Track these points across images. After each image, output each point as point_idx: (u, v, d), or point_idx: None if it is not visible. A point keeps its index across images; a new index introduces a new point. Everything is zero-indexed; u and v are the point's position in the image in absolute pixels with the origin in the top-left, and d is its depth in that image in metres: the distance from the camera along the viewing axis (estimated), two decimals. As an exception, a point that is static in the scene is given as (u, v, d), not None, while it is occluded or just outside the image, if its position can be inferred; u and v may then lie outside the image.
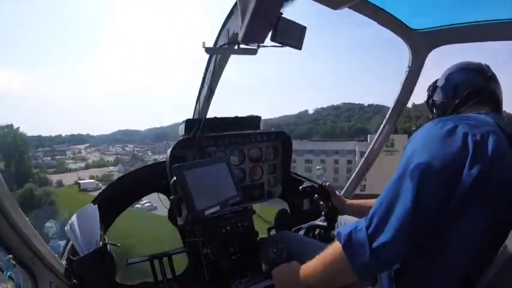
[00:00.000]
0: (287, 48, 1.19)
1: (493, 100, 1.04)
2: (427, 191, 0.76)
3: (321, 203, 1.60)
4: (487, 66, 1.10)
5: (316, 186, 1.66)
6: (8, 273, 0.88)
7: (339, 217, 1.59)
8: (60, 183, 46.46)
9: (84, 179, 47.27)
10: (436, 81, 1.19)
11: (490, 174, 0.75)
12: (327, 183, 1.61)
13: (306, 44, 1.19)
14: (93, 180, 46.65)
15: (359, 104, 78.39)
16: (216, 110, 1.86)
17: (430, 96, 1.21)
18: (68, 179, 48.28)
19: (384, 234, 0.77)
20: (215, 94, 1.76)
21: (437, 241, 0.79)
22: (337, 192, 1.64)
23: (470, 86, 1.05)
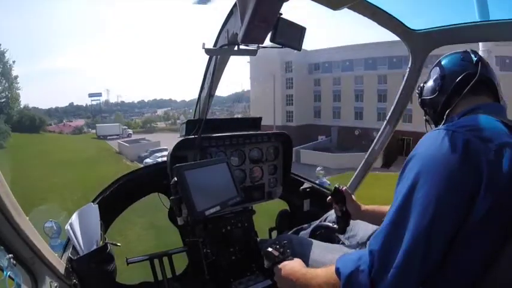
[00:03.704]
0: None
1: (488, 87, 0.94)
2: (437, 226, 0.69)
3: (335, 206, 1.52)
4: (473, 50, 0.99)
5: (315, 186, 1.65)
6: (8, 273, 0.88)
7: (352, 222, 1.51)
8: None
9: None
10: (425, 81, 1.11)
11: (505, 203, 0.67)
12: (344, 188, 1.51)
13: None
14: (117, 124, 40.57)
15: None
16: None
17: (419, 95, 1.13)
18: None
19: (388, 278, 0.70)
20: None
21: (440, 276, 0.72)
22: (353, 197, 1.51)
23: (457, 74, 0.95)
